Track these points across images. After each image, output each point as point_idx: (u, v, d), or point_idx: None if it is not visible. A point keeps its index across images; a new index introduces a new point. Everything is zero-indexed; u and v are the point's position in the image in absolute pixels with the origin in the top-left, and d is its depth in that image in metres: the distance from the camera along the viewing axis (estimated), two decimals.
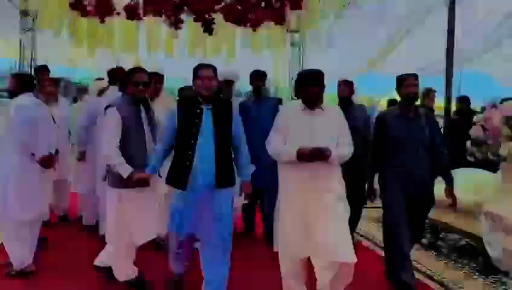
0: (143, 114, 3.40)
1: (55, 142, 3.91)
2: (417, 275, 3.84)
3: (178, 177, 3.11)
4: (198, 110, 3.12)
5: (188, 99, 3.30)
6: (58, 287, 3.53)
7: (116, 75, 4.46)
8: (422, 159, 3.48)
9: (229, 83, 4.65)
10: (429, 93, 6.03)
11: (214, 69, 3.17)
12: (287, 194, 3.12)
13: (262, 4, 5.25)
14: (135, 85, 3.30)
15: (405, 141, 3.48)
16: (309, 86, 3.06)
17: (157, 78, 4.28)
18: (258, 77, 4.75)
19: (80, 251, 4.16)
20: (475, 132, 3.15)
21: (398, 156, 3.50)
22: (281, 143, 3.10)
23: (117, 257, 3.44)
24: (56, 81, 5.12)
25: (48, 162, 3.74)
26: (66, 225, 5.14)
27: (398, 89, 3.56)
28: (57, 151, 3.97)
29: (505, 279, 3.86)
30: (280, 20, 5.88)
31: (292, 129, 3.09)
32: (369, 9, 7.79)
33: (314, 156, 2.93)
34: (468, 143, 3.12)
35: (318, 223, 2.94)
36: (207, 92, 3.11)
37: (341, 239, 2.92)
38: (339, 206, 3.02)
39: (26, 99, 3.73)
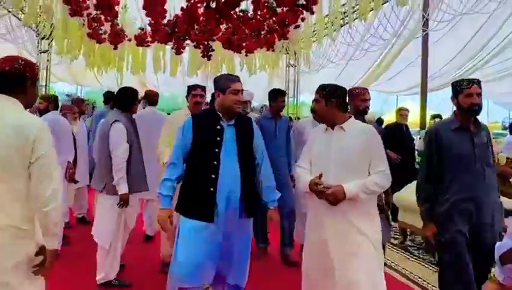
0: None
1: (71, 153, 4.65)
2: (388, 271, 4.37)
3: (201, 207, 2.64)
4: (219, 127, 2.74)
5: (206, 115, 2.93)
6: (79, 274, 4.09)
7: (153, 97, 5.18)
8: (490, 184, 2.82)
9: (246, 103, 5.00)
10: (401, 111, 6.35)
11: None
12: (309, 228, 2.73)
13: (255, 33, 5.93)
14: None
15: (470, 161, 2.78)
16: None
17: (200, 92, 4.22)
18: (282, 96, 4.75)
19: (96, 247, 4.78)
20: (418, 145, 3.60)
21: (461, 181, 2.79)
22: (305, 168, 2.72)
23: (110, 256, 3.75)
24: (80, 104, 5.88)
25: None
26: (84, 225, 5.74)
27: (456, 97, 2.86)
28: (75, 160, 4.75)
29: None
30: (271, 47, 6.60)
31: (314, 151, 2.72)
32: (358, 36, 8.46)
33: (321, 195, 2.53)
34: (416, 153, 3.60)
35: (336, 270, 2.50)
36: (240, 107, 2.79)
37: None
38: (363, 250, 2.48)
39: (51, 115, 4.47)
